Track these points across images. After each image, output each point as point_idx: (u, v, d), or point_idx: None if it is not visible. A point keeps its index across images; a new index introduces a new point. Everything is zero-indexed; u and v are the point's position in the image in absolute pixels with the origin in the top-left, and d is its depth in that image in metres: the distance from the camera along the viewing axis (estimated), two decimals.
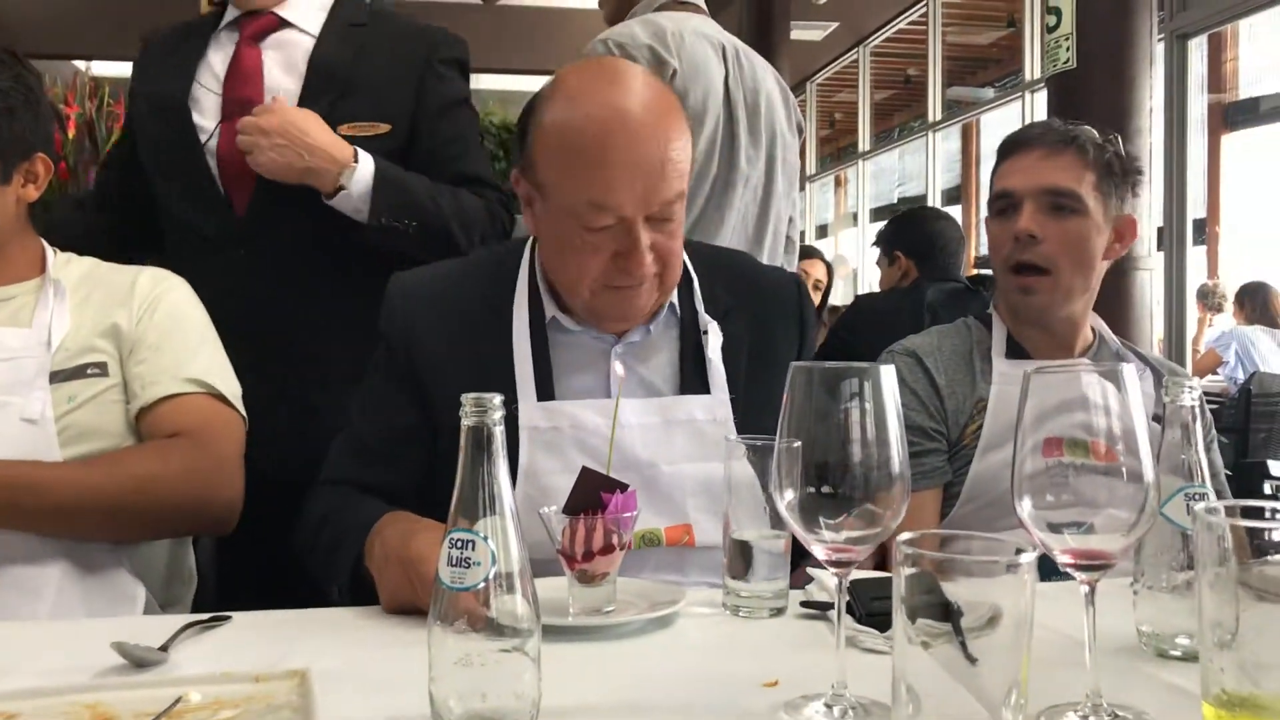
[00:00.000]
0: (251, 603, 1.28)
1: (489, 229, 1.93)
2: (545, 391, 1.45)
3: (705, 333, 1.51)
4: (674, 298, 1.53)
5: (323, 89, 1.85)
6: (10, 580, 1.38)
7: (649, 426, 1.45)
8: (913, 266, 3.86)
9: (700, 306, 1.54)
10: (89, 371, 1.52)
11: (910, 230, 4.00)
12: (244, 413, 1.61)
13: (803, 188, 14.29)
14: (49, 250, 1.62)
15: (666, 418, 1.46)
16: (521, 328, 1.47)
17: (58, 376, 1.49)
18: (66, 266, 1.62)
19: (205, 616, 1.20)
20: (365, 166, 1.80)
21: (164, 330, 1.58)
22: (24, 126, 1.53)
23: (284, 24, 1.94)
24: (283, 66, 1.91)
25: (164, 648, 1.06)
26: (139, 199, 2.02)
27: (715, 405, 1.48)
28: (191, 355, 1.59)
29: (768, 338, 1.57)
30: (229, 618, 1.21)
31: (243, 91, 1.87)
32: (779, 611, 1.24)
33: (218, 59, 1.93)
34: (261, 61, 1.91)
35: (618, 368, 1.40)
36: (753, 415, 1.45)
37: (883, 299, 3.95)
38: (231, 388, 1.61)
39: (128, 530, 1.48)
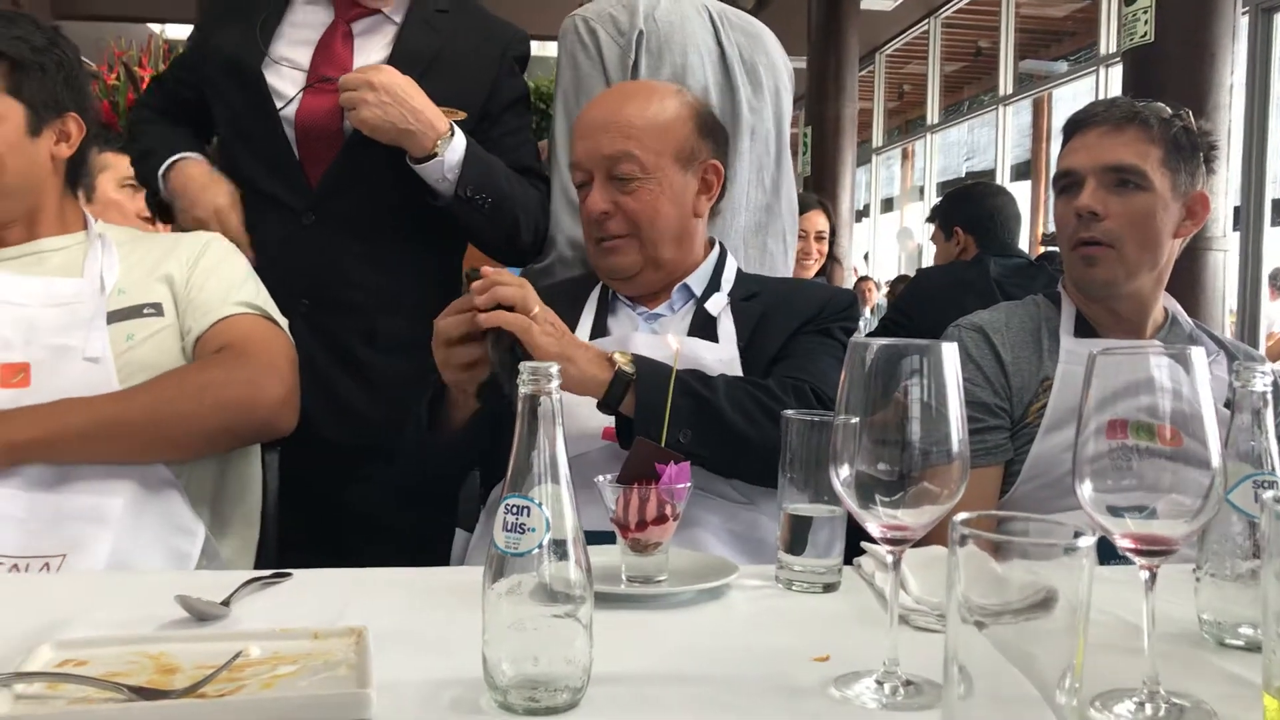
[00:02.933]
0: (311, 560, 1.31)
1: (540, 218, 2.04)
2: (596, 335, 1.74)
3: (716, 318, 1.73)
4: (698, 288, 1.77)
5: (407, 70, 1.87)
6: (77, 512, 1.43)
7: (655, 357, 1.57)
8: (971, 242, 3.83)
9: (725, 291, 1.76)
10: (145, 311, 1.58)
11: (969, 205, 3.94)
12: (290, 338, 1.67)
13: (868, 160, 14.14)
14: (88, 214, 1.70)
15: (668, 354, 1.56)
16: (594, 299, 1.79)
17: (115, 316, 1.55)
18: (108, 230, 1.69)
19: (266, 573, 1.22)
20: (459, 139, 1.87)
21: (209, 270, 1.65)
22: (55, 85, 1.60)
23: (377, 11, 1.99)
24: (368, 48, 1.96)
25: (225, 602, 1.09)
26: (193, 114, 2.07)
27: (721, 351, 1.68)
28: (239, 285, 1.66)
29: (784, 307, 1.74)
30: (289, 574, 1.23)
31: (329, 70, 1.91)
32: (832, 587, 1.24)
33: (302, 30, 1.96)
34: (354, 47, 1.96)
35: (671, 340, 1.58)
36: (753, 366, 1.67)
37: (944, 273, 3.88)
38: (278, 314, 1.67)
39: (181, 441, 1.51)
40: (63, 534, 1.41)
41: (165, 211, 2.10)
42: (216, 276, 1.65)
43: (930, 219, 4.22)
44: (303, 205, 1.90)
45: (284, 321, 1.68)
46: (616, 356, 1.50)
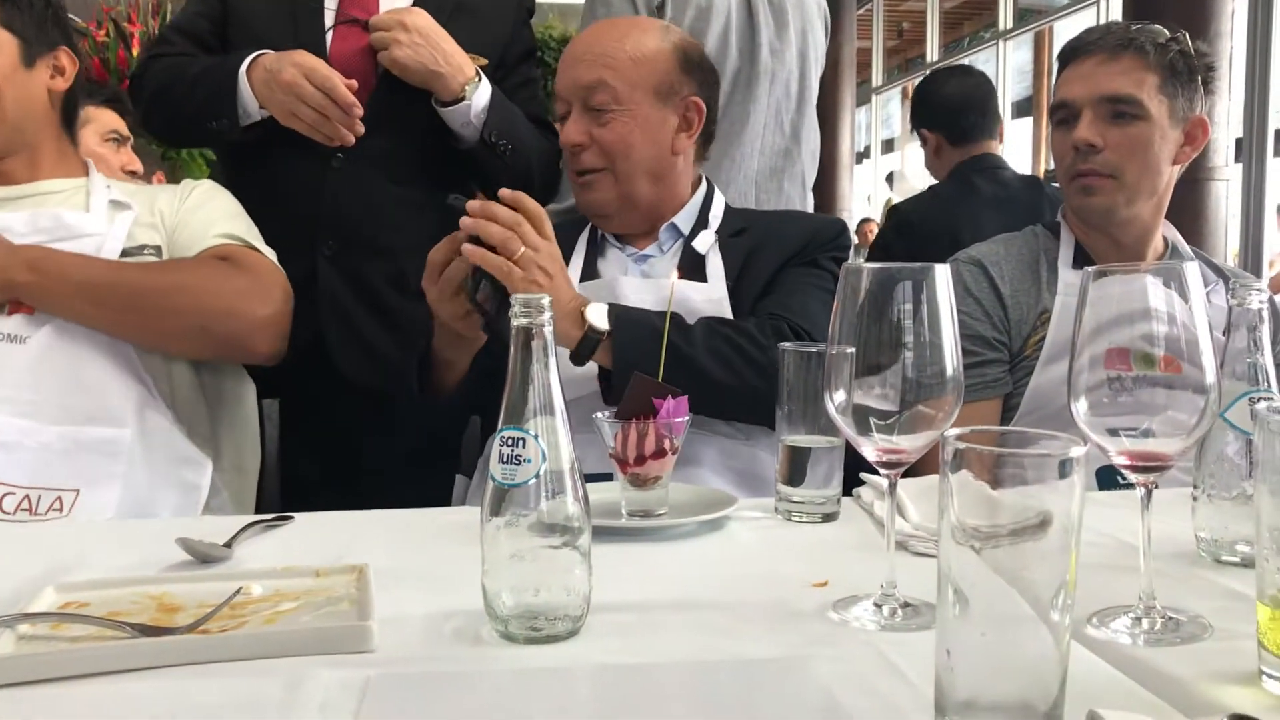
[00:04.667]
0: (316, 504, 1.32)
1: (551, 167, 2.05)
2: (587, 278, 1.74)
3: (704, 256, 1.72)
4: (685, 226, 1.76)
5: (432, 15, 1.87)
6: (89, 443, 1.44)
7: (645, 303, 1.60)
8: (942, 141, 3.32)
9: (712, 229, 1.75)
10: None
11: (929, 99, 3.36)
12: (283, 272, 1.67)
13: (868, 100, 14.00)
14: (87, 159, 1.72)
15: (661, 297, 1.58)
16: (584, 240, 1.79)
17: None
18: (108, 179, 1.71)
19: (269, 516, 1.23)
20: (485, 85, 1.88)
21: (194, 207, 1.67)
22: (44, 20, 1.62)
23: None
24: None
25: (228, 544, 1.10)
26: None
27: (710, 290, 1.68)
28: (226, 219, 1.66)
29: (772, 241, 1.73)
30: (291, 518, 1.24)
31: (356, 11, 1.91)
32: (831, 517, 1.25)
33: None
34: None
35: (674, 276, 1.54)
36: (742, 303, 1.67)
37: (922, 201, 3.45)
38: (268, 251, 1.67)
39: (158, 326, 1.52)
40: (75, 466, 1.42)
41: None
42: (202, 212, 1.66)
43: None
44: (331, 147, 1.89)
45: (272, 255, 1.67)
46: (590, 315, 1.48)
